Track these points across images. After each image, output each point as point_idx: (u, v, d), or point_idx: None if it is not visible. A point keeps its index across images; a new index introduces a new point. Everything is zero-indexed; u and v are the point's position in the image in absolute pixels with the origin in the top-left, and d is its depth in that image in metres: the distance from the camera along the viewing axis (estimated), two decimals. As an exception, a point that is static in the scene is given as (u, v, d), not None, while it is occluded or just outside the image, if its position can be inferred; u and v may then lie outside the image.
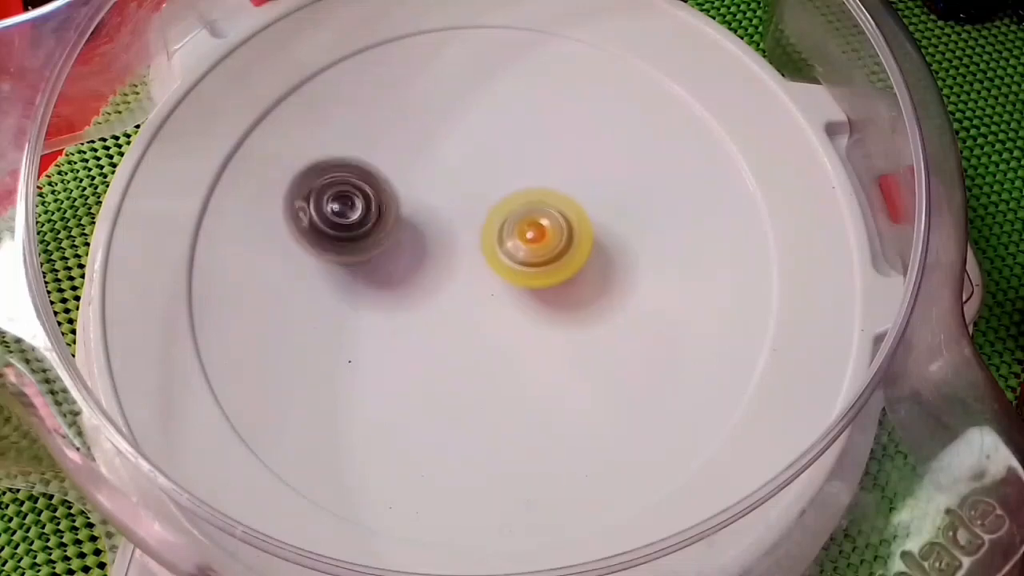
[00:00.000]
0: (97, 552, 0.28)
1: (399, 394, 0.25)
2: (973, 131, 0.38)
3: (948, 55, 0.39)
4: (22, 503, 0.29)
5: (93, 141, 0.34)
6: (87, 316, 0.25)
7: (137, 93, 0.31)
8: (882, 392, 0.24)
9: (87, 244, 0.31)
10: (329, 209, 0.25)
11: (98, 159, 0.34)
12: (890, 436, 0.24)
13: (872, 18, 0.27)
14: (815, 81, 0.30)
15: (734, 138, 0.28)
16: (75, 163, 0.34)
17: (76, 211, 0.33)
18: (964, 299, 0.25)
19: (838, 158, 0.28)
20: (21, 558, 0.28)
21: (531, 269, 0.25)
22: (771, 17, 0.34)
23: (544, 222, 0.25)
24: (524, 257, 0.25)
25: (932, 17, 0.40)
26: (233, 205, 0.27)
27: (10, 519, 0.28)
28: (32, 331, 0.22)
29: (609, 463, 0.25)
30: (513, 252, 0.25)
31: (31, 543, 0.28)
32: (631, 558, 0.20)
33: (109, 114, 0.31)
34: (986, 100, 0.39)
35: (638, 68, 0.30)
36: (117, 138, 0.34)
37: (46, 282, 0.31)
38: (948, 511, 0.22)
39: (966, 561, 0.22)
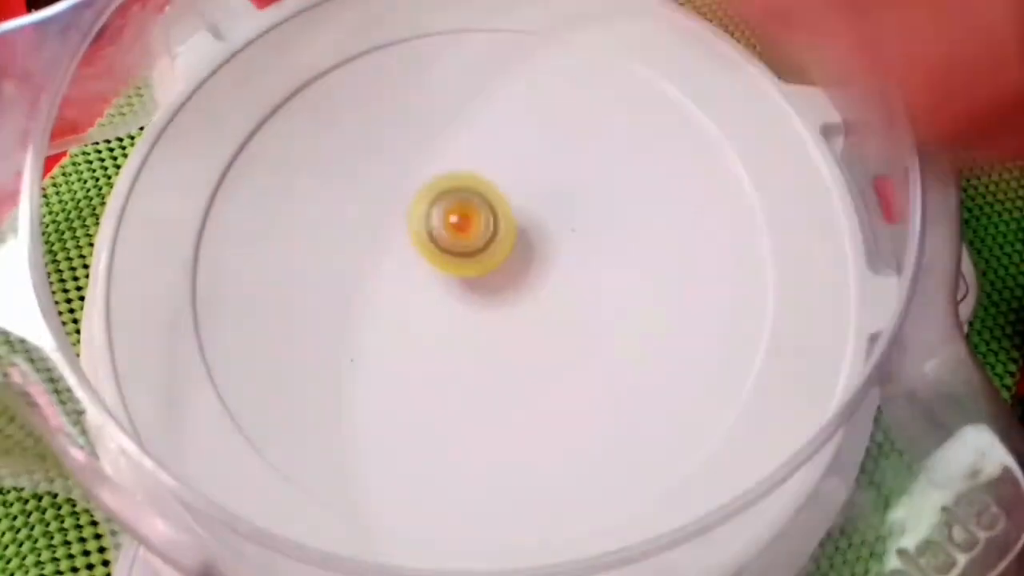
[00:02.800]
0: (101, 550, 0.28)
1: (401, 392, 0.25)
2: (969, 132, 0.38)
3: (945, 56, 0.39)
4: (27, 501, 0.29)
5: (97, 143, 0.34)
6: (91, 316, 0.26)
7: (140, 95, 0.31)
8: (878, 391, 0.24)
9: (91, 245, 0.31)
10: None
11: (102, 161, 0.34)
12: (886, 434, 0.25)
13: (869, 19, 0.27)
14: (812, 83, 0.30)
15: (731, 140, 0.29)
16: (79, 164, 0.34)
17: (80, 212, 0.33)
18: (959, 299, 0.25)
19: (834, 160, 0.28)
20: (26, 556, 0.28)
21: (455, 258, 0.26)
22: (769, 19, 0.34)
23: (470, 211, 0.26)
24: (448, 245, 0.25)
25: (929, 19, 0.40)
26: (236, 206, 0.27)
27: (15, 517, 0.28)
28: (37, 331, 0.22)
29: (608, 461, 0.25)
30: (438, 237, 0.25)
31: (36, 541, 0.28)
32: (629, 554, 0.21)
33: (113, 116, 0.31)
34: (982, 101, 0.39)
35: (634, 71, 0.30)
36: (121, 140, 0.34)
37: (51, 282, 0.31)
38: (944, 509, 0.23)
39: (962, 558, 0.22)
